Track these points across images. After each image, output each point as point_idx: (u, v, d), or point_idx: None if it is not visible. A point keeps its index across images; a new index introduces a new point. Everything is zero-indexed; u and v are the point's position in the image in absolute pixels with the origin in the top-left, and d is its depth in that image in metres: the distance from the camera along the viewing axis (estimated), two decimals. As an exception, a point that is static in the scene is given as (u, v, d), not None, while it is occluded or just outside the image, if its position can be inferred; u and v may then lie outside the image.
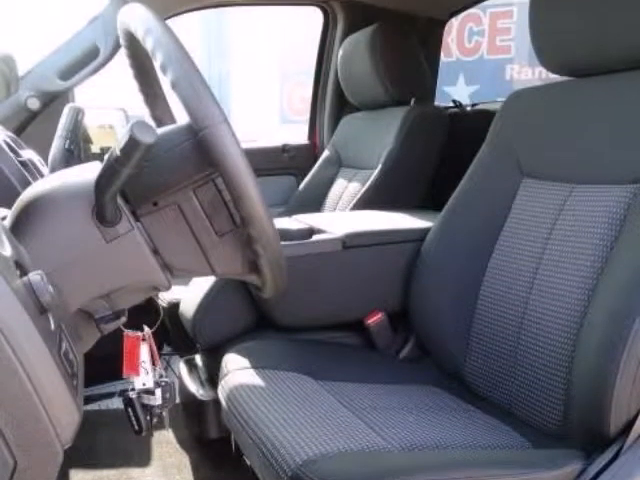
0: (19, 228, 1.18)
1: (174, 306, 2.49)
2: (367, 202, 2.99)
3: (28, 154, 1.88)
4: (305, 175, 3.70)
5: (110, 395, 3.02)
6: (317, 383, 1.72)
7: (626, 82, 1.68)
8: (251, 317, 2.19)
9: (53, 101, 2.97)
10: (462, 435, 1.51)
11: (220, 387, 1.79)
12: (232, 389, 1.70)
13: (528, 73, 7.21)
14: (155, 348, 1.67)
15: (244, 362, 1.81)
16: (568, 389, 1.52)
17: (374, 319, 2.14)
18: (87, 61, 3.01)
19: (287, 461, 1.32)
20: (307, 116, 4.15)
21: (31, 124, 2.94)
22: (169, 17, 3.18)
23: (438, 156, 3.17)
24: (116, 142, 1.08)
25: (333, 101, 3.93)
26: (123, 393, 1.62)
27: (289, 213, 3.03)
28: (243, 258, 1.34)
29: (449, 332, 1.93)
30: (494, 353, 1.80)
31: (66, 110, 1.72)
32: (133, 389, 1.61)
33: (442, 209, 2.06)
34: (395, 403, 1.67)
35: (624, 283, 1.41)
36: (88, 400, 2.94)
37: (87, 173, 1.24)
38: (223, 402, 1.72)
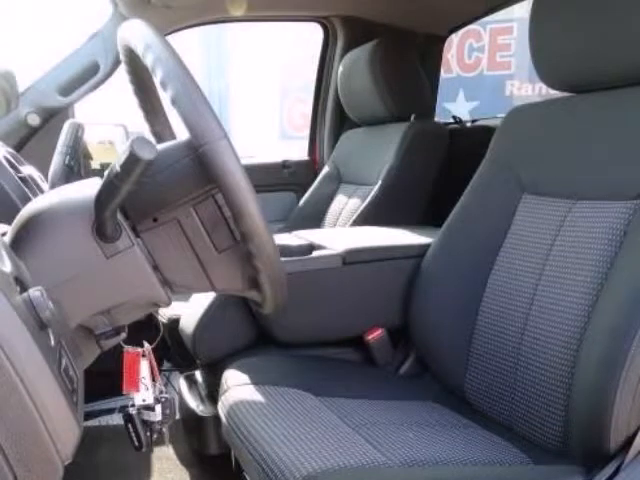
0: (19, 244, 1.18)
1: (174, 322, 2.49)
2: (367, 218, 2.99)
3: (28, 170, 1.88)
4: (305, 191, 3.70)
5: (110, 411, 3.02)
6: (317, 399, 1.71)
7: (626, 98, 1.68)
8: (251, 333, 2.18)
9: (53, 117, 2.98)
10: (462, 451, 1.51)
11: (220, 403, 1.79)
12: (232, 405, 1.69)
13: (528, 89, 7.23)
14: (155, 364, 1.67)
15: (244, 378, 1.80)
16: (568, 405, 1.52)
17: (374, 335, 2.14)
18: (87, 77, 3.02)
19: (287, 477, 1.32)
20: (307, 132, 4.15)
21: (31, 140, 2.95)
22: (169, 33, 3.19)
23: (438, 172, 3.17)
24: (116, 158, 1.08)
25: (333, 117, 3.94)
26: (123, 409, 1.62)
27: (289, 229, 3.03)
28: (243, 274, 1.34)
29: (449, 348, 1.93)
30: (494, 369, 1.80)
31: (66, 126, 1.72)
32: (133, 405, 1.61)
33: (442, 225, 2.06)
34: (395, 419, 1.66)
35: (624, 299, 1.41)
36: (88, 416, 2.94)
37: (87, 189, 1.24)
38: (223, 418, 1.71)
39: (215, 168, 1.12)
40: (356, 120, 3.62)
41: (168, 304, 1.31)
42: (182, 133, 1.23)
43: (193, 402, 2.33)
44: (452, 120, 3.74)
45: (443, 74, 3.92)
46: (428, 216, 3.08)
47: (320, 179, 3.63)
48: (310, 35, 4.34)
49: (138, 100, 1.53)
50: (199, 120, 1.12)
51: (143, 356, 1.64)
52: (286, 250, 2.05)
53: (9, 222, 1.27)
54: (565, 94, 1.89)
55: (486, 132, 2.26)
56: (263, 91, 9.92)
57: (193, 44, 9.36)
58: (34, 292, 0.92)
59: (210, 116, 1.13)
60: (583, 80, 1.78)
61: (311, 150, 4.14)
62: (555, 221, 1.74)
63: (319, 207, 3.53)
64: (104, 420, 2.99)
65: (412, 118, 3.26)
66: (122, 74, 1.49)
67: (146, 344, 1.66)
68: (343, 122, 3.87)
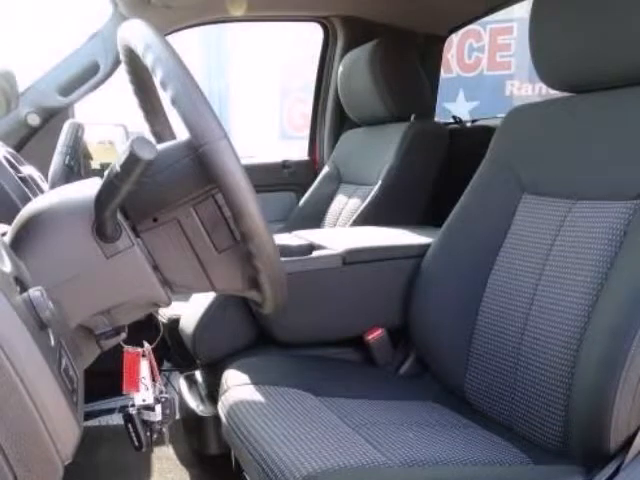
0: (19, 244, 1.18)
1: (174, 322, 2.49)
2: (367, 218, 2.99)
3: (28, 170, 1.88)
4: (305, 191, 3.70)
5: (110, 411, 3.02)
6: (317, 399, 1.71)
7: (626, 98, 1.68)
8: (251, 333, 2.18)
9: (53, 117, 2.98)
10: (462, 451, 1.50)
11: (220, 403, 1.79)
12: (232, 405, 1.69)
13: (528, 89, 7.23)
14: (155, 364, 1.67)
15: (244, 378, 1.80)
16: (568, 405, 1.52)
17: (374, 335, 2.14)
18: (87, 77, 3.02)
19: (287, 477, 1.31)
20: (307, 132, 4.15)
21: (31, 140, 2.95)
22: (169, 33, 3.19)
23: (438, 172, 3.17)
24: (116, 158, 1.08)
25: (333, 117, 3.94)
26: (123, 409, 1.61)
27: (289, 229, 3.03)
28: (243, 274, 1.34)
29: (449, 348, 1.93)
30: (494, 369, 1.80)
31: (66, 126, 1.72)
32: (133, 405, 1.61)
33: (442, 225, 2.06)
34: (395, 419, 1.66)
35: (624, 299, 1.41)
36: (88, 416, 2.94)
37: (87, 189, 1.24)
38: (223, 418, 1.71)
39: (215, 168, 1.12)
40: (356, 120, 3.62)
41: (168, 304, 1.31)
42: (182, 133, 1.23)
43: (193, 402, 2.32)
44: (452, 120, 3.74)
45: (443, 74, 3.92)
46: (428, 216, 3.07)
47: (320, 179, 3.62)
48: (310, 35, 4.35)
49: (138, 100, 1.53)
50: (199, 120, 1.12)
51: (143, 356, 1.63)
52: (286, 250, 2.05)
53: (9, 222, 1.26)
54: (565, 94, 1.89)
55: (486, 132, 2.26)
56: (263, 91, 9.92)
57: (193, 44, 9.36)
58: (34, 292, 0.92)
59: (210, 116, 1.13)
60: (583, 80, 1.78)
61: (311, 150, 4.14)
62: (555, 221, 1.73)
63: (319, 207, 3.52)
64: (104, 420, 2.99)
65: (412, 118, 3.26)
66: (122, 74, 1.49)
67: (146, 344, 1.66)
68: (343, 122, 3.87)
